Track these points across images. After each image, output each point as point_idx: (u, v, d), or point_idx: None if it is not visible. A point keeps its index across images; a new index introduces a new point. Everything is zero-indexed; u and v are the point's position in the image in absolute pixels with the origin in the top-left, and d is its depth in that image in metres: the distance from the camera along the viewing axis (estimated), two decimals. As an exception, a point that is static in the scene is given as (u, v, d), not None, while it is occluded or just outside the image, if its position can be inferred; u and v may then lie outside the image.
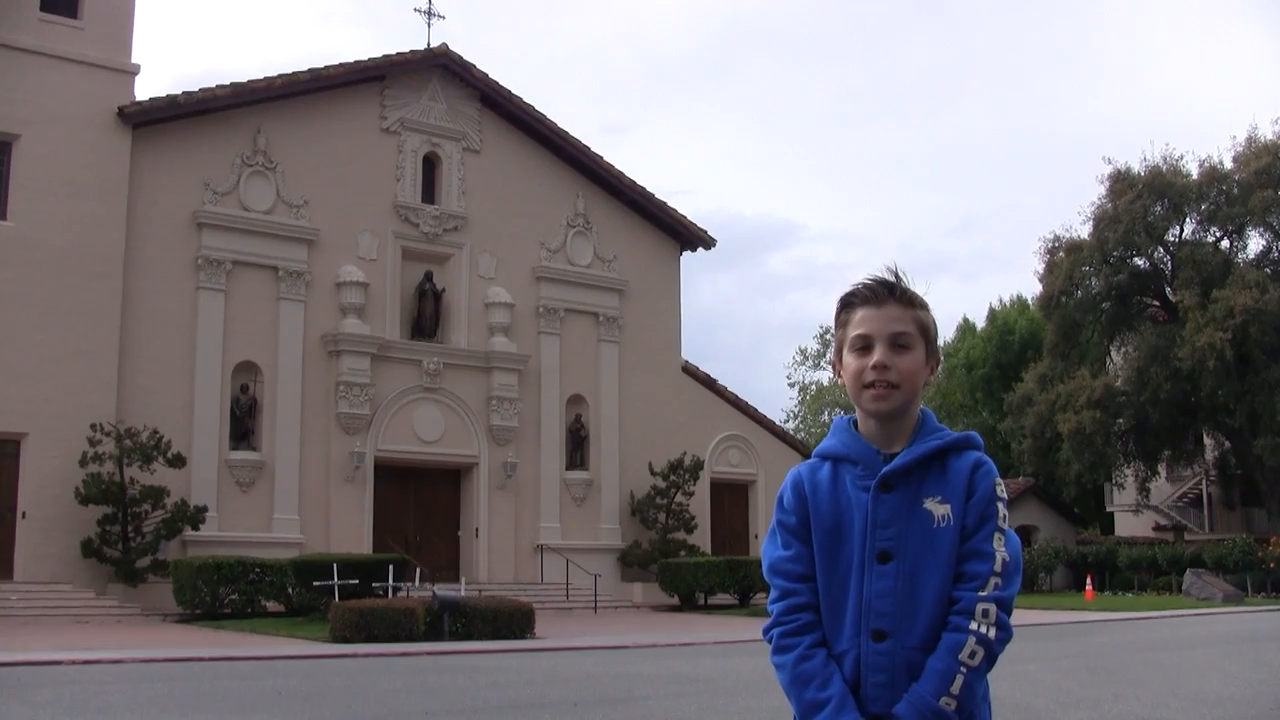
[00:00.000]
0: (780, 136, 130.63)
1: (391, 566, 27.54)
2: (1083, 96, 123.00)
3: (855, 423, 3.05)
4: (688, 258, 43.67)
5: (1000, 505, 2.90)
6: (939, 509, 2.88)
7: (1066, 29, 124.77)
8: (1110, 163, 53.12)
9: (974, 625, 2.79)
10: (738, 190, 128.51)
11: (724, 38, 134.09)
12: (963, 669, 2.78)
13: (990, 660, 2.81)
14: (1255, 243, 52.09)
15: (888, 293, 2.99)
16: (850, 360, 2.99)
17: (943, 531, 2.87)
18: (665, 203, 41.67)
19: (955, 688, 2.77)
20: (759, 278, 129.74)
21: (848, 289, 3.04)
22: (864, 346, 2.96)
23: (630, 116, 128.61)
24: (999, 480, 2.94)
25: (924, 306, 3.01)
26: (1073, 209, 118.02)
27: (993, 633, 2.80)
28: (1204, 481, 57.55)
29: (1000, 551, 2.86)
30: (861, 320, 2.98)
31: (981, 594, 2.82)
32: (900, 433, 2.97)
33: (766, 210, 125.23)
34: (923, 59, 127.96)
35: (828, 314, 3.08)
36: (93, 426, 29.55)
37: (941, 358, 3.20)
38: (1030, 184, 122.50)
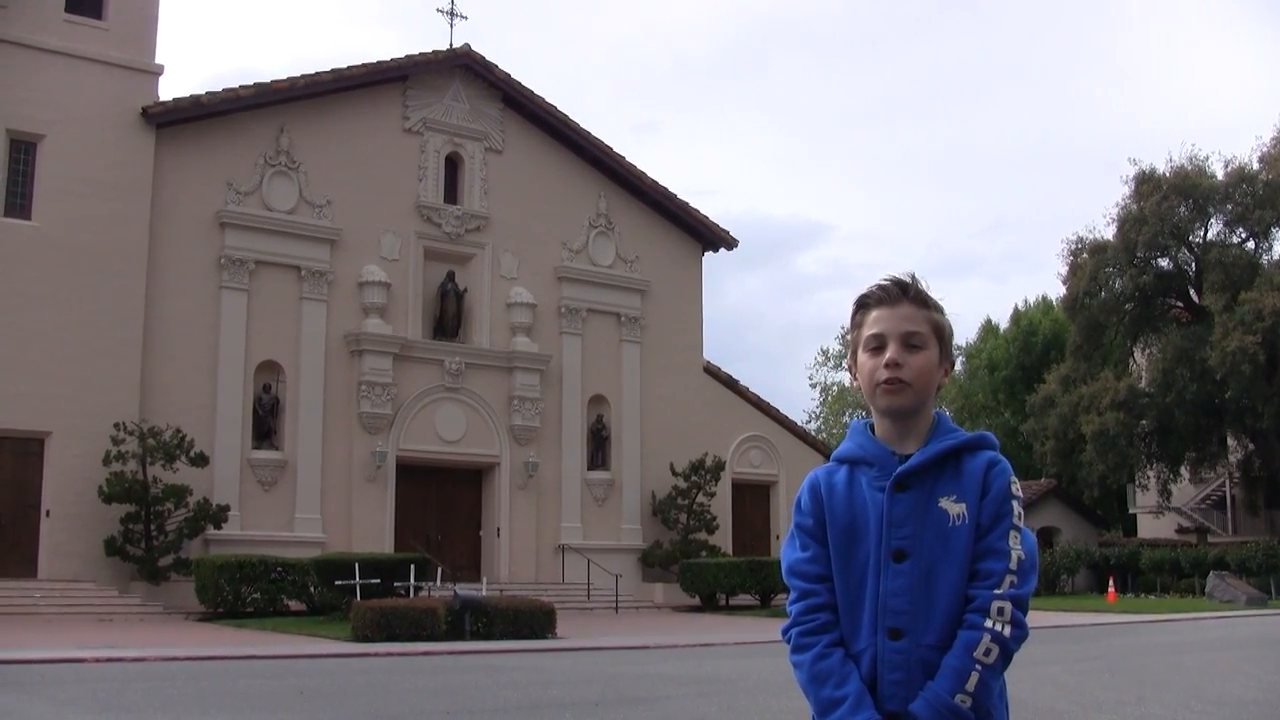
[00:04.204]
0: (810, 136, 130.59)
1: (413, 566, 27.60)
2: (1115, 97, 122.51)
3: (872, 426, 3.07)
4: (717, 258, 43.84)
5: (1015, 503, 2.90)
6: (954, 508, 2.88)
7: (1096, 29, 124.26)
8: (1136, 164, 52.84)
9: (989, 623, 2.80)
10: (768, 190, 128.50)
11: (755, 37, 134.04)
12: (978, 666, 2.78)
13: (1006, 658, 2.82)
14: (1282, 244, 51.80)
15: (901, 293, 3.00)
16: (864, 360, 3.01)
17: (958, 530, 2.87)
18: (687, 203, 41.67)
19: (971, 685, 2.77)
20: (788, 278, 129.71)
21: (862, 290, 3.06)
22: (877, 346, 2.98)
23: (661, 115, 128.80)
24: (1014, 479, 2.94)
25: (939, 309, 3.02)
26: (1102, 210, 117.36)
27: (1008, 631, 2.80)
28: (1227, 484, 57.21)
29: (1015, 549, 2.86)
30: (875, 320, 3.00)
31: (997, 592, 2.82)
32: (915, 433, 2.98)
33: (796, 210, 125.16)
34: (954, 58, 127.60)
35: None
36: (116, 425, 29.68)
37: (955, 361, 3.20)
38: (1063, 185, 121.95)
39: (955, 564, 2.85)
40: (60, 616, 27.05)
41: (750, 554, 39.41)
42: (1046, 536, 52.86)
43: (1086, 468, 51.38)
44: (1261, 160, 50.71)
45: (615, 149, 40.53)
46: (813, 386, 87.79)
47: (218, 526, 31.15)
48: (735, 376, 43.73)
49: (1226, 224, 51.34)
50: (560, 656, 19.12)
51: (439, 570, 29.48)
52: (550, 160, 39.67)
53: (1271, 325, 44.68)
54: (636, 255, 40.77)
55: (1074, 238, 54.05)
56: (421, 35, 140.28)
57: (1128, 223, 50.94)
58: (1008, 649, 2.80)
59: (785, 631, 3.02)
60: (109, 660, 16.65)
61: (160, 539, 29.97)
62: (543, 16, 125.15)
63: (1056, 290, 59.09)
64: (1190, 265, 52.27)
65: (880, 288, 3.03)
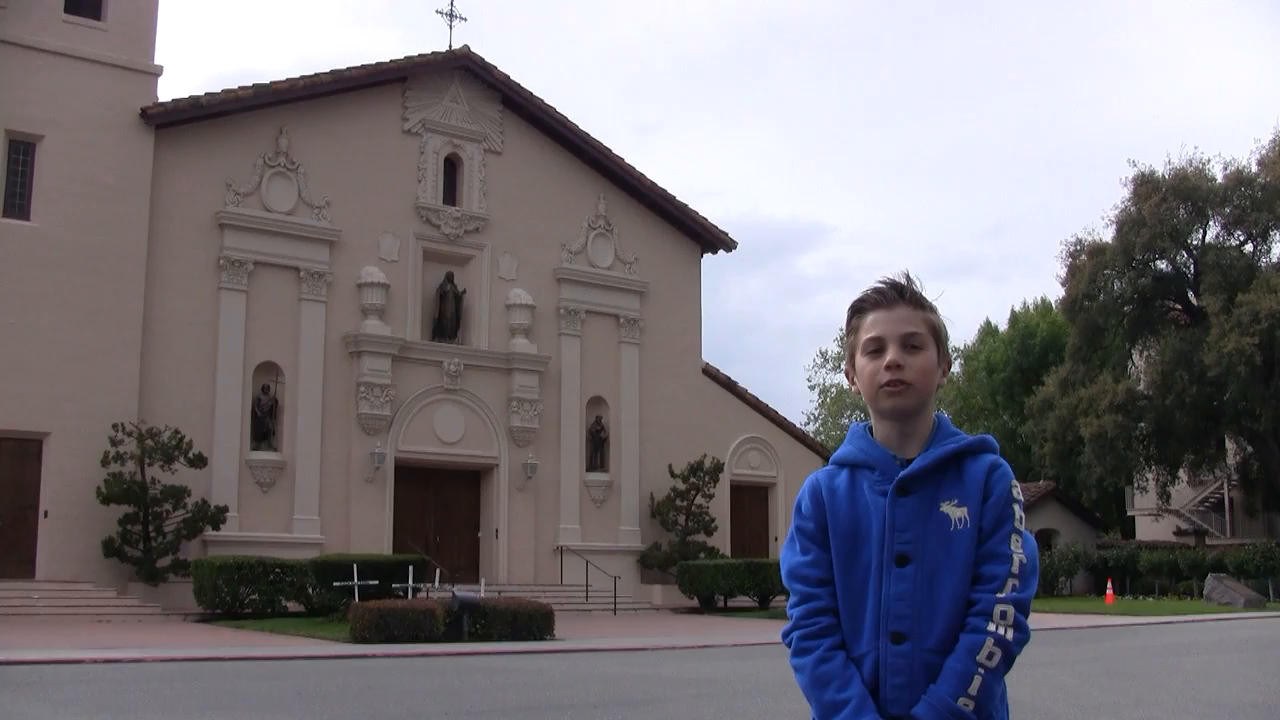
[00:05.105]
0: (811, 138, 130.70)
1: (411, 567, 27.58)
2: (1115, 97, 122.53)
3: (871, 429, 3.06)
4: (717, 260, 43.92)
5: (1017, 507, 2.91)
6: (956, 512, 2.89)
7: (1096, 29, 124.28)
8: (1135, 165, 52.85)
9: (992, 626, 2.80)
10: (768, 192, 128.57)
11: (755, 38, 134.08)
12: (980, 670, 2.79)
13: (1008, 661, 2.82)
14: (1280, 246, 51.82)
15: (897, 295, 3.01)
16: (864, 363, 3.01)
17: (960, 534, 2.87)
18: (686, 205, 41.68)
19: (973, 688, 2.78)
20: (788, 280, 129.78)
21: (858, 295, 3.06)
22: (877, 349, 2.98)
23: (663, 117, 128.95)
24: (1015, 483, 2.94)
25: (933, 309, 3.03)
26: (1101, 212, 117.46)
27: (1010, 634, 2.81)
28: (1226, 486, 57.24)
29: (1017, 553, 2.86)
30: (873, 323, 3.00)
31: (999, 595, 2.83)
32: (916, 436, 2.98)
33: (797, 212, 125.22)
34: (954, 58, 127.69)
35: None
36: (115, 426, 29.65)
37: (952, 360, 3.21)
38: (1063, 186, 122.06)
39: (957, 568, 2.86)
40: (58, 617, 27.04)
41: (749, 556, 39.38)
42: (1045, 539, 52.88)
43: (1085, 470, 51.40)
44: (1260, 163, 50.71)
45: (615, 150, 40.56)
46: (811, 388, 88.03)
47: (216, 527, 31.14)
48: (734, 378, 43.75)
49: (1225, 226, 51.32)
50: (558, 658, 19.11)
51: (437, 571, 29.47)
52: (549, 162, 39.67)
53: (1269, 327, 44.68)
54: (635, 257, 40.77)
55: (1073, 240, 54.04)
56: (421, 36, 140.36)
57: (1126, 225, 50.92)
58: (1010, 652, 2.81)
59: (786, 635, 3.02)
60: (107, 661, 16.64)
61: (158, 540, 29.95)
62: (543, 18, 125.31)
63: (1055, 292, 59.11)
64: (1189, 267, 52.26)
65: (876, 290, 3.03)
